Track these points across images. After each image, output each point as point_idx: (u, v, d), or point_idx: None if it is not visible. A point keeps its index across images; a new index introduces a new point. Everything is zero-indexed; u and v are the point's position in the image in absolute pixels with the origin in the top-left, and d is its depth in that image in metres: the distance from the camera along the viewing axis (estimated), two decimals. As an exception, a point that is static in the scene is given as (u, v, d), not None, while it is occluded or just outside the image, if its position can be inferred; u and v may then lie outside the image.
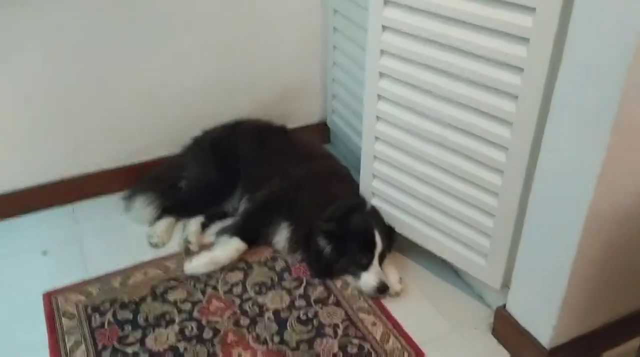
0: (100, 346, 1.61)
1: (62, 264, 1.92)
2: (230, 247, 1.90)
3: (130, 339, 1.63)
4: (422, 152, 1.66)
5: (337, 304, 1.75)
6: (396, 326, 1.68)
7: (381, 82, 1.69)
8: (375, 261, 1.78)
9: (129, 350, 1.59)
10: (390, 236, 1.87)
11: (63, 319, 1.70)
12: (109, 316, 1.70)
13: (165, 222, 2.04)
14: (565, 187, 1.30)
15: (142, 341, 1.62)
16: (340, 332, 1.66)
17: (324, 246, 1.81)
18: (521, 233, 1.47)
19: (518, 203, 1.47)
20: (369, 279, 1.77)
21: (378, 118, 1.75)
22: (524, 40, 1.30)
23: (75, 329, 1.66)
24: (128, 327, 1.67)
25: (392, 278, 1.84)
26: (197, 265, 1.85)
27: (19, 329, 1.68)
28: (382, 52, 1.65)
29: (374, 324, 1.69)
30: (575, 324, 1.49)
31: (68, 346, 1.61)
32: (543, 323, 1.47)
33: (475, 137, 1.50)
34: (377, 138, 1.79)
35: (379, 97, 1.71)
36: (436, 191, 1.69)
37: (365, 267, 1.78)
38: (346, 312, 1.72)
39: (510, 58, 1.35)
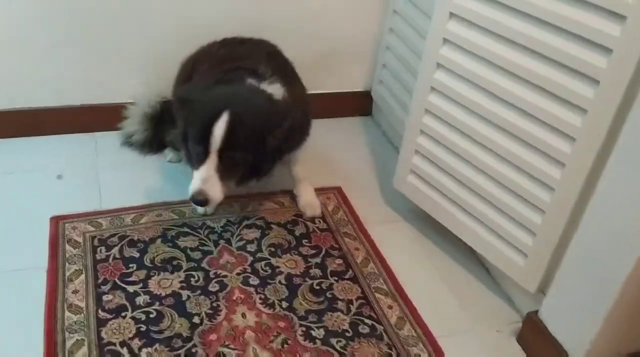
0: (100, 279, 1.52)
1: (75, 192, 1.84)
2: None
3: (133, 278, 1.54)
4: (474, 131, 1.52)
5: (355, 280, 1.63)
6: (414, 313, 1.55)
7: (437, 73, 1.57)
8: (210, 161, 1.41)
9: (130, 288, 1.50)
10: (279, 147, 1.49)
11: (67, 245, 1.61)
12: (115, 250, 1.61)
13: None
14: (633, 192, 1.15)
15: (145, 282, 1.53)
16: (353, 309, 1.54)
17: (176, 115, 1.60)
18: (572, 236, 1.33)
19: (575, 201, 1.32)
20: (192, 182, 1.44)
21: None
22: (607, 50, 1.17)
23: (78, 259, 1.58)
24: (133, 266, 1.57)
25: (304, 197, 1.82)
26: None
27: (20, 249, 1.59)
28: (445, 41, 1.52)
29: (390, 307, 1.56)
30: (614, 343, 1.35)
31: (67, 273, 1.53)
32: (579, 336, 1.32)
33: (541, 125, 1.36)
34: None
35: (431, 88, 1.58)
36: (482, 175, 1.55)
37: (199, 164, 1.44)
38: (362, 290, 1.60)
39: (588, 68, 1.21)
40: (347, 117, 2.42)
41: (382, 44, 2.22)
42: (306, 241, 1.75)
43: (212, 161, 1.41)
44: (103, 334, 1.38)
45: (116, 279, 1.53)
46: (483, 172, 1.54)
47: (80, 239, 1.64)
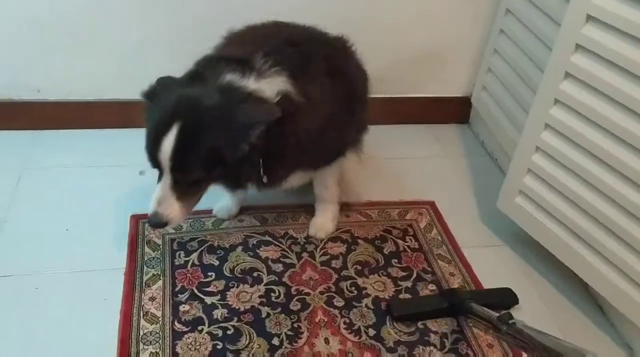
0: (178, 287, 1.44)
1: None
2: None
3: (211, 288, 1.44)
4: (602, 150, 1.31)
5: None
6: (517, 354, 1.37)
7: (564, 84, 1.36)
8: (165, 180, 1.21)
9: (208, 300, 1.41)
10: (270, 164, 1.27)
11: (146, 248, 1.55)
12: (194, 256, 1.53)
13: None
14: None
15: (223, 294, 1.43)
16: (448, 344, 1.37)
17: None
18: None
19: None
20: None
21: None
22: None
23: (157, 262, 1.51)
24: (212, 275, 1.48)
25: (319, 217, 1.63)
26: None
27: (99, 248, 1.54)
28: (578, 47, 1.31)
29: (489, 345, 1.38)
30: None
31: (145, 277, 1.46)
32: None
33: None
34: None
35: (555, 100, 1.38)
36: (609, 202, 1.33)
37: (158, 180, 1.24)
38: (459, 323, 1.43)
39: None
40: (442, 124, 2.24)
41: (489, 47, 2.02)
42: (396, 261, 1.59)
43: (166, 180, 1.21)
44: (178, 349, 1.29)
45: (194, 288, 1.44)
46: (610, 198, 1.33)
47: (159, 241, 1.57)
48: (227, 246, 1.57)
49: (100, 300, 1.40)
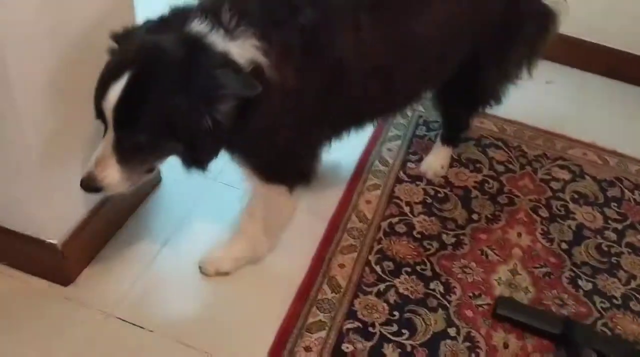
0: (412, 150, 1.71)
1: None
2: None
3: (437, 161, 1.69)
4: None
5: (652, 262, 1.47)
6: None
7: None
8: (108, 138, 0.99)
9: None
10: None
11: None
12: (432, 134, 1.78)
13: None
14: None
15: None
16: (633, 284, 1.41)
17: None
18: None
19: None
20: None
21: None
22: None
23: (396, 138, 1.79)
24: (441, 151, 1.72)
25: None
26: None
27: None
28: None
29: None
30: None
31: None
32: None
33: None
34: None
35: None
36: None
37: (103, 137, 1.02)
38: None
39: None
40: None
41: None
42: (615, 205, 1.62)
43: (109, 138, 0.99)
44: (396, 191, 1.58)
45: (424, 155, 1.70)
46: None
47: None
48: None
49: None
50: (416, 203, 1.54)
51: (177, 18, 1.01)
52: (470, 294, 1.34)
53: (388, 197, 1.55)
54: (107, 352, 1.17)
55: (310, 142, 1.21)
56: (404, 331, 1.25)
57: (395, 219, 1.49)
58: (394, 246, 1.42)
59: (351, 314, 1.26)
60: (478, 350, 1.24)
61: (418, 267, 1.38)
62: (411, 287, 1.34)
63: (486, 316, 1.30)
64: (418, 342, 1.23)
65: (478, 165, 1.69)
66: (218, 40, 0.97)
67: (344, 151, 1.53)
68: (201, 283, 1.32)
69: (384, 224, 1.47)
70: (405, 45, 1.19)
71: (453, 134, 1.66)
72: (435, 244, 1.44)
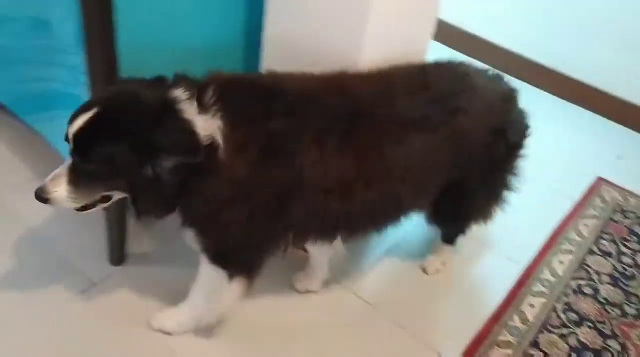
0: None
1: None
2: None
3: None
4: None
5: None
6: None
7: None
8: (68, 160, 1.10)
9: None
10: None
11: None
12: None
13: None
14: None
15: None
16: None
17: None
18: None
19: None
20: None
21: None
22: None
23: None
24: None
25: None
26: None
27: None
28: None
29: None
30: None
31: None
32: None
33: None
34: None
35: None
36: None
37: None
38: None
39: None
40: None
41: None
42: None
43: (68, 159, 1.11)
44: (587, 260, 1.82)
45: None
46: None
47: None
48: None
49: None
50: (600, 273, 1.78)
51: (170, 82, 1.12)
52: (644, 360, 1.53)
53: (580, 262, 1.80)
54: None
55: (260, 239, 1.23)
56: (579, 370, 1.48)
57: (584, 282, 1.74)
58: (580, 303, 1.67)
59: (535, 344, 1.53)
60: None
61: (599, 325, 1.60)
62: (591, 339, 1.57)
63: (655, 382, 1.48)
64: (590, 383, 1.46)
65: None
66: (189, 110, 1.07)
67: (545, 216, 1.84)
68: (423, 277, 1.67)
69: (573, 283, 1.73)
70: (374, 171, 1.22)
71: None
72: (618, 311, 1.65)
